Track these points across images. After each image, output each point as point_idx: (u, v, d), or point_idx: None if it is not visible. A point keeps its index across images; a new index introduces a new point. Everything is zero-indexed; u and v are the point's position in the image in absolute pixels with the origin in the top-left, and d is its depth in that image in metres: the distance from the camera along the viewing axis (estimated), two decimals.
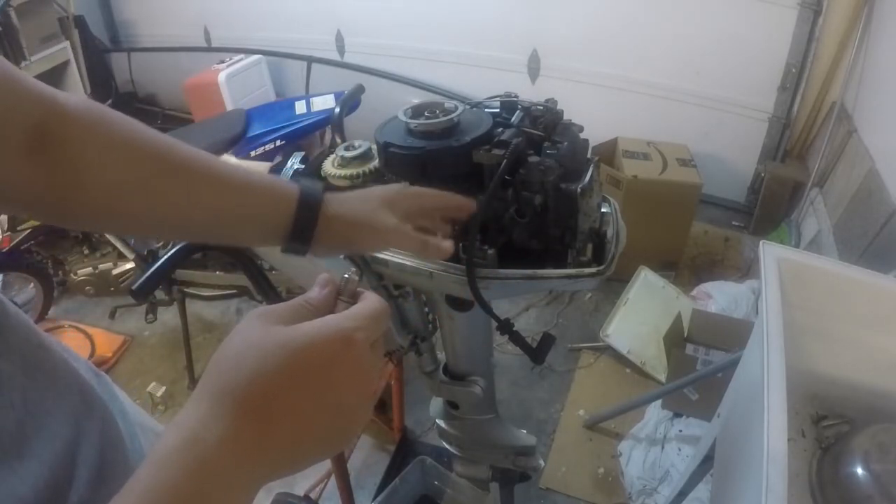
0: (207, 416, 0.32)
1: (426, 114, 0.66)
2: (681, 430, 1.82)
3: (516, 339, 0.74)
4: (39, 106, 0.45)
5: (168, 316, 2.29)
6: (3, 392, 0.38)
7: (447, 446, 1.09)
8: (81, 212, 0.49)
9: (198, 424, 0.31)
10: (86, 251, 2.35)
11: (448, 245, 0.59)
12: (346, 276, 0.39)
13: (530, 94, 0.71)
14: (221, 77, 3.01)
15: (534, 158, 0.63)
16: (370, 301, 0.39)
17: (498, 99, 0.73)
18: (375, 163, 0.72)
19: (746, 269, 2.55)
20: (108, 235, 1.97)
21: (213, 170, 0.53)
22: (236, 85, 3.09)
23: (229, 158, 1.98)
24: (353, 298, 0.39)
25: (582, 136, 0.70)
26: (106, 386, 0.55)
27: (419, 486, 1.52)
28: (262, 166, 2.03)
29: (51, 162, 0.45)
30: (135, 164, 0.49)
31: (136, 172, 0.49)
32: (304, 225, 0.54)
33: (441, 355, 0.93)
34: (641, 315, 2.22)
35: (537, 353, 0.77)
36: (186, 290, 2.02)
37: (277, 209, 0.54)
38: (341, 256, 0.70)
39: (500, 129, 0.67)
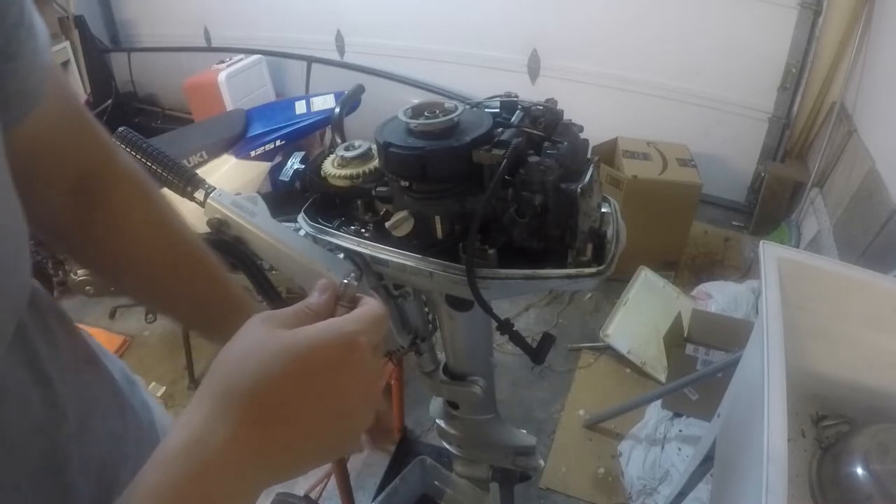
0: (211, 419, 0.31)
1: (426, 114, 0.66)
2: (681, 430, 1.82)
3: (516, 339, 0.74)
4: (98, 154, 0.49)
5: None
6: (58, 404, 0.39)
7: (447, 446, 1.09)
8: (97, 259, 0.55)
9: (201, 426, 0.31)
10: None
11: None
12: (346, 280, 0.39)
13: (530, 94, 0.71)
14: (221, 77, 3.01)
15: (534, 158, 0.63)
16: (371, 305, 0.39)
17: (498, 99, 0.73)
18: (375, 163, 0.71)
19: (746, 269, 2.55)
20: None
21: (218, 278, 0.58)
22: (236, 85, 3.09)
23: (229, 158, 1.98)
24: (353, 303, 0.39)
25: (582, 136, 0.70)
26: (138, 395, 0.56)
27: (419, 486, 1.52)
28: (262, 166, 2.03)
29: (89, 207, 0.49)
30: (157, 242, 0.54)
31: (156, 249, 0.54)
32: None
33: (441, 355, 0.93)
34: (641, 315, 2.22)
35: (537, 353, 0.77)
36: None
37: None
38: (341, 255, 0.70)
39: (500, 129, 0.67)
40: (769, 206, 2.69)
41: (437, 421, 1.06)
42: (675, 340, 1.92)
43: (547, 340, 0.77)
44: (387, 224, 0.65)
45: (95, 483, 0.39)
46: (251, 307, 0.61)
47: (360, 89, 1.91)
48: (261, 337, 0.34)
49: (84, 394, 0.43)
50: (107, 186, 0.50)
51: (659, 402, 1.89)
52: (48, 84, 0.41)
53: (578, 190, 0.61)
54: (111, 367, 0.52)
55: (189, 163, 1.87)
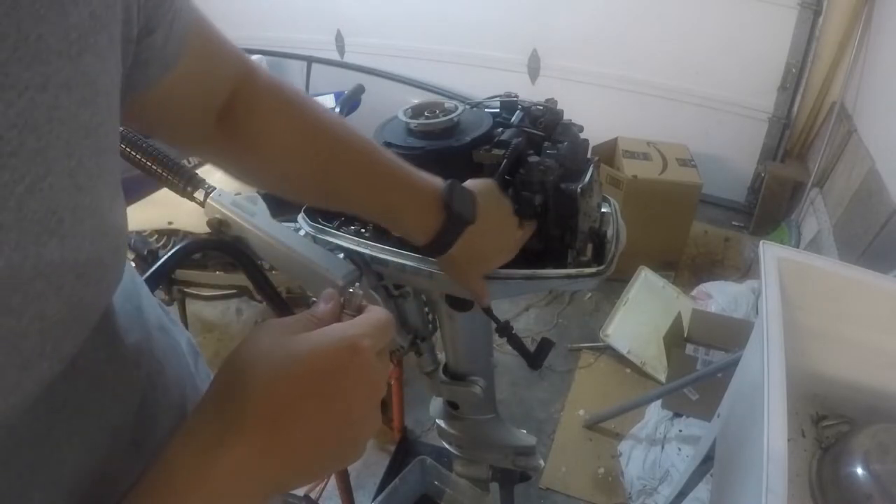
0: (214, 424, 0.31)
1: (426, 114, 0.67)
2: (681, 430, 1.81)
3: (515, 342, 0.74)
4: (237, 73, 0.49)
5: None
6: (131, 380, 0.39)
7: (447, 446, 1.09)
8: (249, 170, 0.55)
9: (206, 434, 0.31)
10: None
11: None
12: (351, 290, 0.40)
13: (530, 94, 0.72)
14: None
15: (534, 158, 0.63)
16: (375, 311, 0.39)
17: (498, 99, 0.73)
18: None
19: (746, 269, 2.55)
20: None
21: (374, 167, 0.55)
22: None
23: None
24: (359, 312, 0.39)
25: (582, 136, 0.70)
26: (202, 368, 0.55)
27: (419, 486, 1.52)
28: None
29: (235, 126, 0.50)
30: (305, 146, 0.53)
31: (304, 153, 0.53)
32: (444, 242, 0.58)
33: (441, 355, 0.93)
34: (641, 315, 2.21)
35: (535, 358, 0.77)
36: (186, 290, 2.02)
37: (425, 222, 0.57)
38: (341, 255, 0.70)
39: (500, 129, 0.67)
40: (769, 206, 2.69)
41: (437, 421, 1.06)
42: (675, 340, 1.92)
43: (545, 346, 0.77)
44: None
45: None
46: (430, 189, 0.57)
47: (360, 89, 1.91)
48: (265, 344, 0.34)
49: (153, 365, 0.43)
50: (249, 104, 0.50)
51: (659, 402, 1.89)
52: (192, 36, 0.41)
53: (578, 190, 0.62)
54: (179, 338, 0.52)
55: (189, 163, 1.87)
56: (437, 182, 0.57)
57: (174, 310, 2.03)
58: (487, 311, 0.68)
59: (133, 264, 1.97)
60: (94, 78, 0.28)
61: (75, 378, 0.32)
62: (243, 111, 0.50)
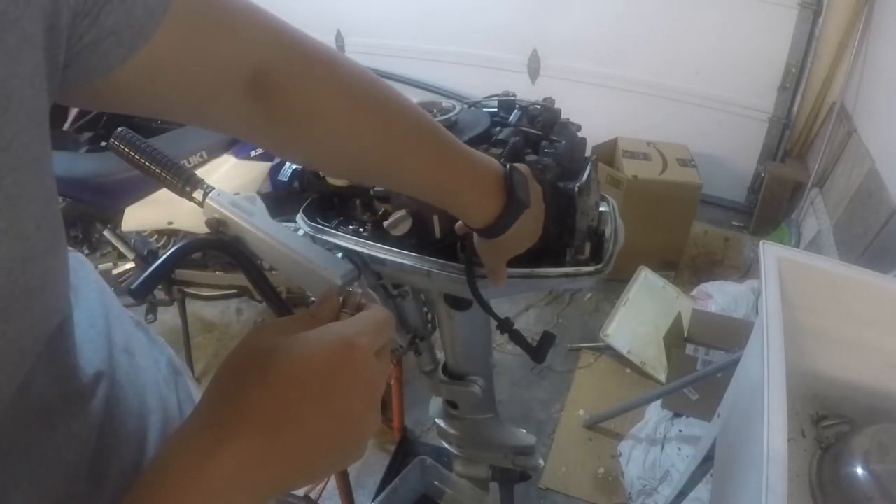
0: (212, 425, 0.31)
1: None
2: (681, 430, 1.81)
3: (516, 337, 0.74)
4: (261, 52, 0.45)
5: (168, 316, 2.29)
6: (88, 415, 0.37)
7: (447, 446, 1.09)
8: (294, 148, 0.52)
9: (202, 433, 0.31)
10: (86, 251, 2.35)
11: None
12: (350, 289, 0.39)
13: (531, 94, 0.71)
14: None
15: (531, 157, 0.63)
16: (374, 310, 0.39)
17: (496, 98, 0.73)
18: None
19: (746, 269, 2.55)
20: (107, 235, 1.98)
21: (437, 151, 0.52)
22: None
23: (229, 158, 1.98)
24: (358, 311, 0.39)
25: (580, 135, 0.70)
26: (183, 387, 0.53)
27: (419, 486, 1.52)
28: (263, 166, 2.03)
29: (270, 104, 0.45)
30: (358, 128, 0.49)
31: (357, 135, 0.49)
32: (502, 226, 0.56)
33: (440, 355, 0.93)
34: (641, 315, 2.21)
35: (537, 351, 0.77)
36: (186, 289, 2.02)
37: (486, 206, 0.55)
38: (339, 255, 0.70)
39: (497, 129, 0.67)
40: (769, 206, 2.69)
41: (436, 421, 1.06)
42: (675, 340, 1.92)
43: (547, 339, 0.77)
44: (385, 223, 0.65)
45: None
46: (491, 173, 0.55)
47: None
48: (262, 345, 0.34)
49: (113, 392, 0.40)
50: (292, 83, 0.46)
51: (659, 402, 1.89)
52: (175, 10, 0.36)
53: (576, 188, 0.61)
54: (158, 357, 0.50)
55: (189, 163, 1.87)
56: (495, 164, 0.56)
57: (174, 311, 2.04)
58: (486, 308, 0.68)
59: (133, 264, 1.98)
60: (1, 84, 0.25)
61: (24, 417, 0.31)
62: (285, 91, 0.45)
